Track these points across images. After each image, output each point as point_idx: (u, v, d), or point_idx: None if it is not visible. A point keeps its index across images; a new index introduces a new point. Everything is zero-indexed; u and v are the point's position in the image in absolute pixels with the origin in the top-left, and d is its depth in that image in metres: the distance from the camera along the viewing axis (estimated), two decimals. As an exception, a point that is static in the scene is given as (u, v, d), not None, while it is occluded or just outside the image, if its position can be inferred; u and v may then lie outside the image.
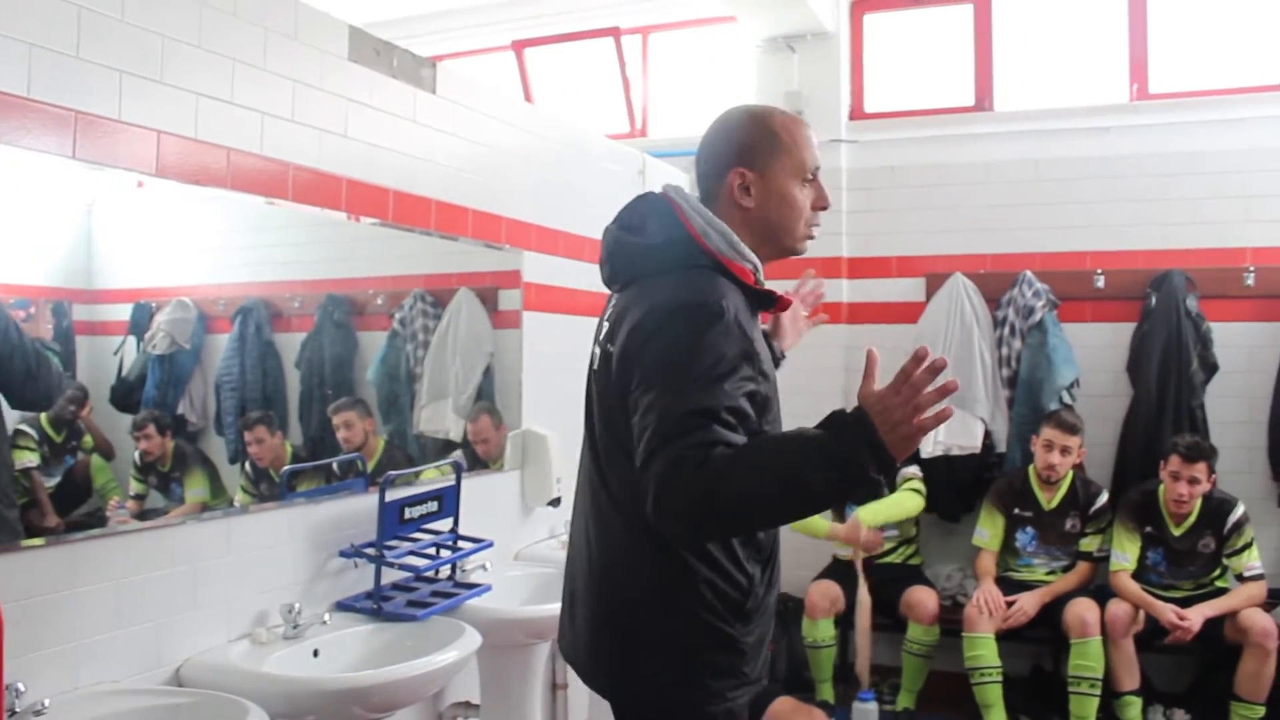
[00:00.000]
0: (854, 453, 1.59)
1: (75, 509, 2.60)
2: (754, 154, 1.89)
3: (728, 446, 1.63)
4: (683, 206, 1.89)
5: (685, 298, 1.76)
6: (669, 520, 1.65)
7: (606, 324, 1.93)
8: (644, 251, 1.89)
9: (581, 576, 1.99)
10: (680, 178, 5.26)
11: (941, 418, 1.64)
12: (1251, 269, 4.74)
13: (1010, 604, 4.42)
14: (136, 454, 2.78)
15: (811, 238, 1.96)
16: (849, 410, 1.65)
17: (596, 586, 1.95)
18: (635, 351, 1.77)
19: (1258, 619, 4.10)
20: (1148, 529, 4.39)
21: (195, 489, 2.92)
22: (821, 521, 4.80)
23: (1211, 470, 4.29)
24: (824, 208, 1.95)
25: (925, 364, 1.60)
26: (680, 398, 1.66)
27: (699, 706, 1.86)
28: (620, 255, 1.94)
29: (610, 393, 1.85)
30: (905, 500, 4.75)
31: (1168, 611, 4.18)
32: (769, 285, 1.96)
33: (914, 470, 4.84)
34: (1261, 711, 4.06)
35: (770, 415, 1.83)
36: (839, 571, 4.80)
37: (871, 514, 4.67)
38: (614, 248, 1.95)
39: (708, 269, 1.83)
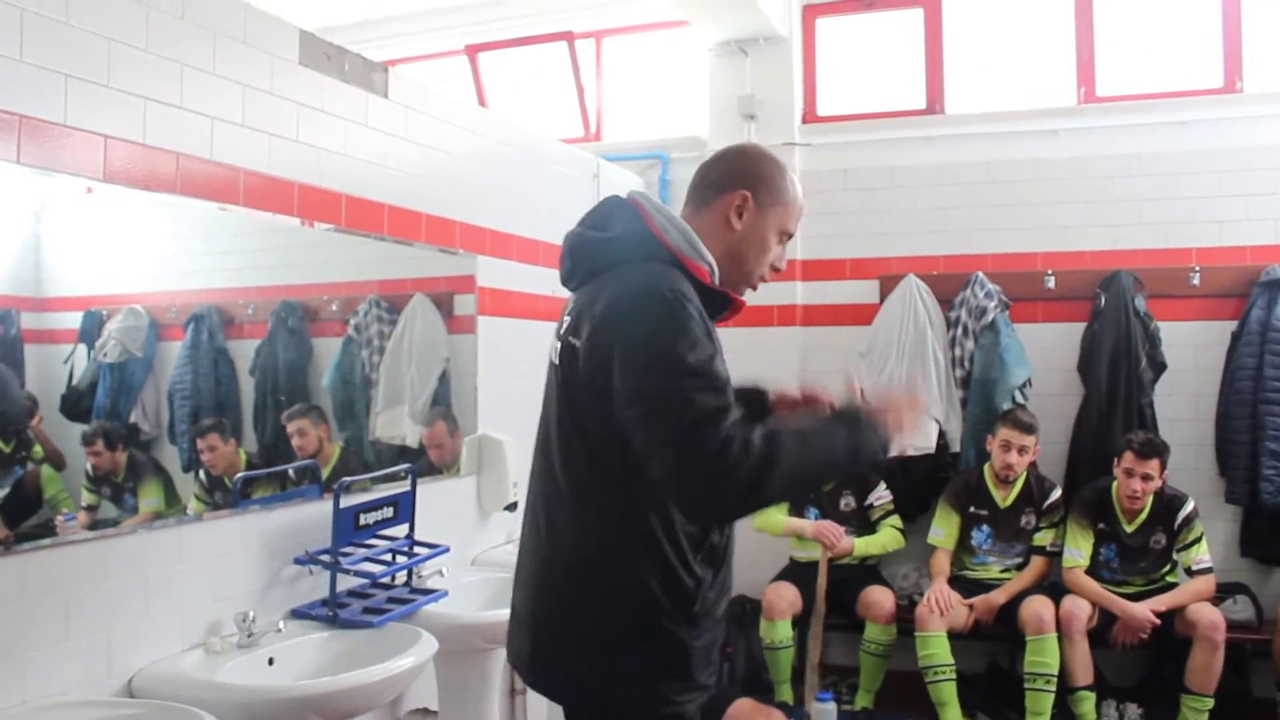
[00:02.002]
0: (871, 438, 1.84)
1: (25, 520, 2.55)
2: (764, 189, 1.98)
3: (747, 426, 1.71)
4: (645, 205, 1.94)
5: (651, 284, 1.80)
6: (723, 501, 1.71)
7: (568, 318, 1.94)
8: (605, 244, 1.93)
9: (529, 578, 2.00)
10: (635, 181, 5.27)
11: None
12: (1197, 269, 4.82)
13: (970, 608, 4.47)
14: (89, 465, 2.74)
15: (754, 288, 2.06)
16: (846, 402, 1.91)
17: (545, 588, 1.95)
18: (609, 338, 1.78)
19: (1206, 613, 4.17)
20: (1100, 525, 4.45)
21: (149, 499, 2.89)
22: (778, 516, 4.83)
23: (1164, 467, 4.36)
24: (778, 270, 2.06)
25: None
26: (678, 378, 1.70)
27: (646, 709, 1.87)
28: (581, 250, 1.97)
29: (575, 384, 1.86)
30: (889, 543, 4.86)
31: (1126, 605, 4.24)
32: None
33: (887, 498, 4.92)
34: (1210, 703, 4.13)
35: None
36: (796, 573, 4.82)
37: (863, 545, 4.78)
38: (575, 244, 1.99)
39: (665, 263, 1.86)
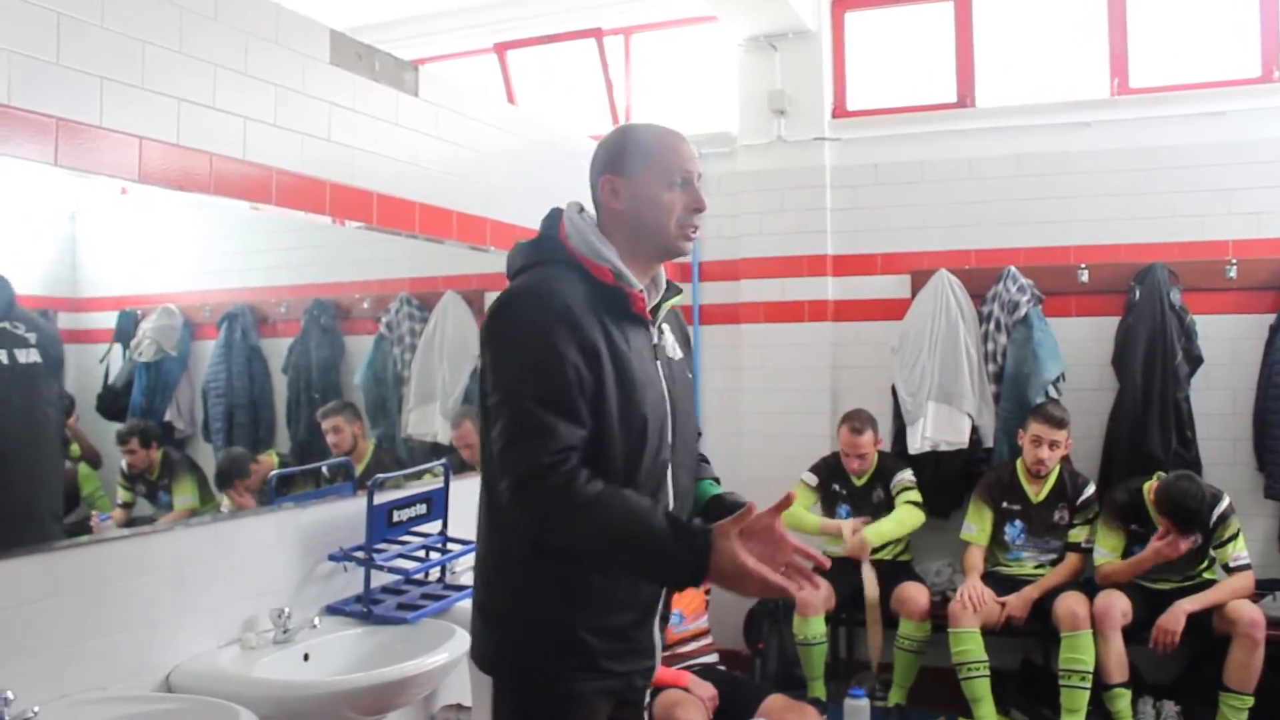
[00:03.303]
0: (682, 576, 1.81)
1: (64, 518, 2.58)
2: (621, 162, 2.00)
3: (575, 453, 1.79)
4: (565, 211, 2.03)
5: (519, 289, 1.92)
6: (523, 515, 1.83)
7: None
8: (520, 250, 2.03)
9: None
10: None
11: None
12: (1234, 261, 4.76)
13: (1001, 605, 4.44)
14: (124, 463, 2.77)
15: (688, 239, 2.03)
16: (704, 535, 1.78)
17: (476, 569, 2.06)
18: (483, 344, 1.92)
19: (1245, 610, 4.11)
20: (1133, 526, 4.40)
21: (184, 496, 2.92)
22: (811, 517, 4.82)
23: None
24: (698, 210, 2.02)
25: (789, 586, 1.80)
26: (520, 392, 1.81)
27: (545, 683, 1.94)
28: (509, 256, 2.06)
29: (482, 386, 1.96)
30: (906, 519, 4.79)
31: (1160, 548, 4.20)
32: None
33: (909, 477, 4.87)
34: (1250, 701, 4.07)
35: (607, 410, 1.86)
36: (829, 569, 4.78)
37: (877, 535, 4.72)
38: (511, 251, 2.07)
39: (563, 265, 1.94)
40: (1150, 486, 4.35)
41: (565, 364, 1.81)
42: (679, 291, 2.11)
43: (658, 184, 1.98)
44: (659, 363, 2.00)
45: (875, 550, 4.77)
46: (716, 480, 2.23)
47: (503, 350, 1.87)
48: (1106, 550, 4.41)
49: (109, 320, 2.77)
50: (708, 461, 2.28)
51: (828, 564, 1.98)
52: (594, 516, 1.77)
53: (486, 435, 1.91)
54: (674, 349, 2.09)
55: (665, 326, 2.08)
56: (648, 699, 2.32)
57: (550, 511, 1.79)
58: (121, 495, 2.75)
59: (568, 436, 1.79)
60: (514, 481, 1.80)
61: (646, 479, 1.92)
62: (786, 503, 1.86)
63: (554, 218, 2.04)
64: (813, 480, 4.96)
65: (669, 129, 2.07)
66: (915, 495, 4.84)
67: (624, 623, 1.97)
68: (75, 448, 2.66)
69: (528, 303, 1.87)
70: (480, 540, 2.04)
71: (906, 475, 4.88)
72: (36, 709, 2.16)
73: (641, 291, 1.97)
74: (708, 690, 3.64)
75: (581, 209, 2.04)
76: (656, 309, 2.04)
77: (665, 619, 2.11)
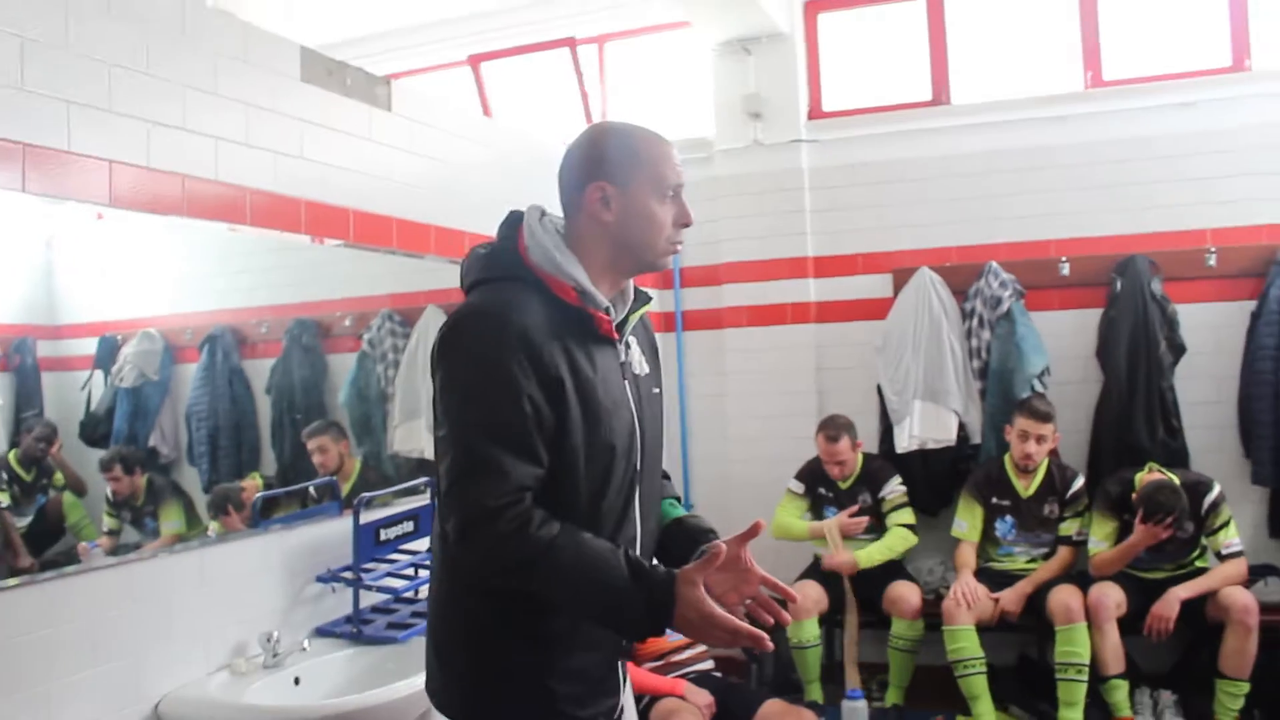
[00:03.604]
0: (642, 628, 1.69)
1: (49, 548, 2.56)
2: (615, 168, 1.83)
3: (529, 494, 1.67)
4: (526, 219, 1.87)
5: (471, 311, 1.76)
6: (469, 558, 1.72)
7: None
8: (475, 261, 1.88)
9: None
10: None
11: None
12: (1213, 250, 4.77)
13: (995, 601, 4.43)
14: (108, 490, 2.74)
15: (673, 253, 1.89)
16: (666, 584, 1.67)
17: (429, 600, 1.94)
18: (432, 368, 1.78)
19: (1238, 596, 4.12)
20: (1126, 516, 4.40)
21: (170, 521, 2.89)
22: (799, 524, 4.82)
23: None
24: (686, 225, 1.88)
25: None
26: (471, 425, 1.69)
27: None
28: (464, 266, 1.91)
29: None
30: (897, 545, 4.78)
31: (1149, 529, 4.19)
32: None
33: (900, 490, 4.85)
34: (1246, 687, 4.08)
35: (571, 444, 1.74)
36: (821, 571, 4.79)
37: (866, 559, 4.70)
38: (465, 259, 1.92)
39: (522, 282, 1.79)
40: (1141, 477, 4.36)
41: (521, 397, 1.67)
42: (649, 300, 1.96)
43: (651, 196, 1.83)
44: (626, 382, 1.86)
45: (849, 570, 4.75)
46: (677, 500, 2.09)
47: (452, 378, 1.73)
48: (1100, 539, 4.41)
49: (89, 347, 2.74)
50: (668, 478, 2.12)
51: (796, 599, 1.85)
52: (548, 564, 1.65)
53: (438, 467, 1.76)
54: (641, 364, 1.94)
55: (632, 340, 1.93)
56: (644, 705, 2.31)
57: (499, 557, 1.66)
58: (107, 523, 2.72)
59: (521, 476, 1.66)
60: (460, 523, 1.67)
61: (611, 509, 1.80)
62: (753, 532, 1.75)
63: (512, 225, 1.88)
64: (799, 488, 4.95)
65: (657, 133, 1.90)
66: (908, 516, 4.83)
67: (589, 663, 1.83)
68: (59, 477, 2.63)
69: (481, 327, 1.72)
70: (433, 574, 1.92)
71: (897, 488, 4.86)
72: (24, 744, 2.14)
73: (608, 311, 1.82)
74: (704, 698, 3.63)
75: (544, 214, 1.88)
76: (624, 322, 1.89)
77: (630, 653, 1.99)
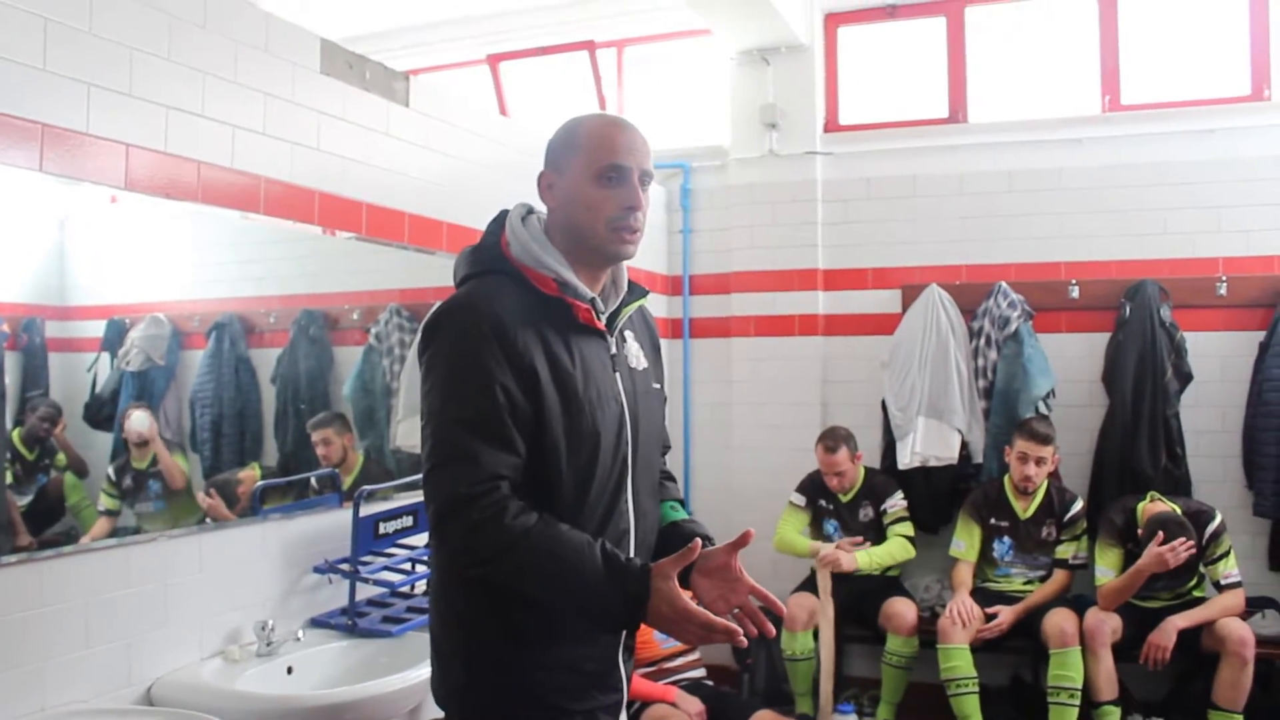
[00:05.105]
0: (614, 620, 1.73)
1: (48, 528, 2.57)
2: (556, 155, 1.88)
3: (504, 482, 1.68)
4: (510, 215, 1.91)
5: (450, 304, 1.79)
6: (443, 545, 1.76)
7: None
8: (462, 258, 1.91)
9: None
10: (655, 190, 5.26)
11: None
12: (1224, 279, 4.77)
13: (990, 616, 4.42)
14: (110, 469, 2.75)
15: (625, 241, 1.83)
16: (640, 576, 1.67)
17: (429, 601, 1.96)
18: (418, 359, 1.81)
19: (1235, 628, 4.10)
20: (1130, 545, 4.38)
21: (177, 475, 2.88)
22: (802, 541, 4.81)
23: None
24: (630, 207, 1.81)
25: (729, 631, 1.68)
26: (444, 414, 1.72)
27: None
28: (455, 263, 1.94)
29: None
30: (898, 554, 4.78)
31: (1160, 554, 4.12)
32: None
33: (902, 504, 4.85)
34: (1239, 720, 4.08)
35: (550, 432, 1.74)
36: (815, 568, 4.77)
37: (868, 561, 4.68)
38: (457, 257, 1.95)
39: (503, 275, 1.82)
40: (1144, 507, 4.34)
41: (494, 385, 1.68)
42: (644, 294, 1.95)
43: (584, 179, 1.81)
44: (618, 375, 1.86)
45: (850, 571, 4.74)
46: (680, 503, 2.08)
47: (431, 369, 1.75)
48: (1106, 568, 4.38)
49: (97, 329, 2.75)
50: (673, 480, 2.13)
51: (784, 611, 1.84)
52: (521, 554, 1.66)
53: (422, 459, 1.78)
54: (638, 358, 1.93)
55: (628, 334, 1.93)
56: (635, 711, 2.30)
57: (471, 545, 1.67)
58: (105, 502, 2.72)
59: (494, 464, 1.67)
60: (436, 510, 1.69)
61: (599, 501, 1.80)
62: (743, 541, 1.76)
63: (498, 222, 1.91)
64: (800, 500, 4.94)
65: (613, 118, 1.90)
66: (908, 528, 4.83)
67: (579, 655, 1.82)
68: (61, 457, 2.64)
69: (458, 319, 1.74)
70: (431, 565, 1.93)
71: (899, 502, 4.86)
72: (15, 721, 2.14)
73: (590, 301, 1.83)
74: (695, 706, 3.62)
75: (530, 211, 1.91)
76: (616, 315, 1.89)
77: (631, 649, 1.95)
